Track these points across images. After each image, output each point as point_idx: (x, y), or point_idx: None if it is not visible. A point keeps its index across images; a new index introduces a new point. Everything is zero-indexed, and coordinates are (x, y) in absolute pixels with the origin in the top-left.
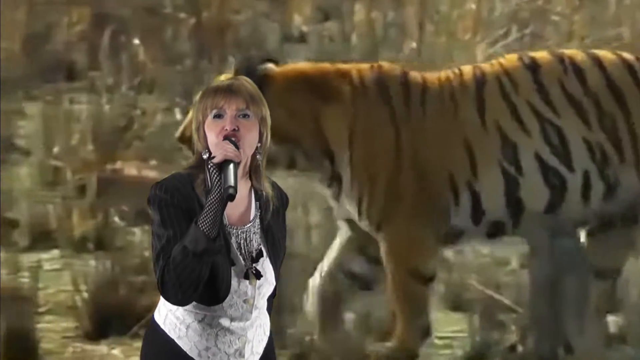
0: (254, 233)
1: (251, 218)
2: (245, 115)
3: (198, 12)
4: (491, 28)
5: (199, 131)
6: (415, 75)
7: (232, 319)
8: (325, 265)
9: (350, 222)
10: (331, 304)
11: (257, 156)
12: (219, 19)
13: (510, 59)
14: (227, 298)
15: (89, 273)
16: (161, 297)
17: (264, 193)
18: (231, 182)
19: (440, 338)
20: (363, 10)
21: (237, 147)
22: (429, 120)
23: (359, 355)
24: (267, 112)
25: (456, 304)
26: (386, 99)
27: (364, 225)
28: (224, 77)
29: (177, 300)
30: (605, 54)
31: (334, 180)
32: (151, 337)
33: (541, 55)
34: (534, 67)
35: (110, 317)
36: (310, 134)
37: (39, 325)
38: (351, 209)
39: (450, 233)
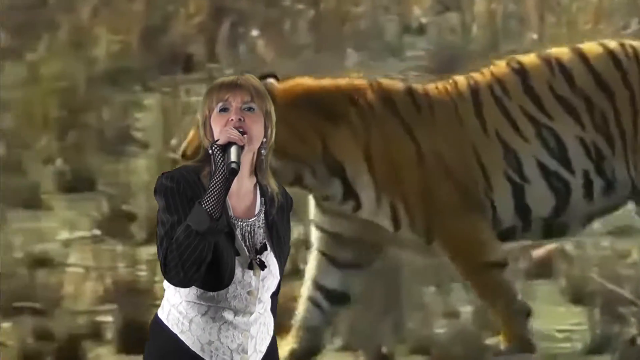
0: (258, 227)
1: (256, 212)
2: (250, 109)
3: (317, 4)
4: (612, 19)
5: (205, 125)
6: (417, 86)
7: (235, 312)
8: (305, 291)
9: (329, 233)
10: (314, 335)
11: (262, 151)
12: (338, 11)
13: (499, 66)
14: (231, 289)
15: None
16: (165, 294)
17: (269, 189)
18: (233, 158)
19: (560, 331)
20: (483, 2)
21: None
22: (440, 127)
23: (478, 350)
24: (272, 108)
25: (576, 297)
26: (394, 112)
27: (407, 237)
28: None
29: (179, 279)
30: (590, 47)
31: (349, 198)
32: (154, 333)
33: (529, 59)
34: (522, 72)
35: None
36: (316, 155)
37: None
38: (385, 224)
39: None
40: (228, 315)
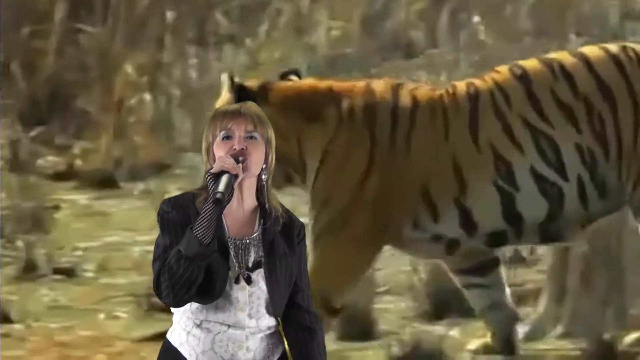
0: (253, 246)
1: (254, 232)
2: (252, 137)
3: None
4: None
5: (208, 152)
6: (406, 98)
7: (228, 326)
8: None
9: None
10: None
11: (263, 176)
12: None
13: (502, 72)
14: (221, 303)
15: None
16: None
17: (272, 210)
18: (220, 188)
19: None
20: None
21: (238, 162)
22: (413, 144)
23: None
24: (272, 134)
25: None
26: (370, 127)
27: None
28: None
29: (170, 300)
30: (592, 50)
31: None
32: (161, 350)
33: (531, 64)
34: (525, 78)
35: (448, 298)
36: (295, 153)
37: (377, 306)
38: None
39: (443, 242)
40: (221, 328)
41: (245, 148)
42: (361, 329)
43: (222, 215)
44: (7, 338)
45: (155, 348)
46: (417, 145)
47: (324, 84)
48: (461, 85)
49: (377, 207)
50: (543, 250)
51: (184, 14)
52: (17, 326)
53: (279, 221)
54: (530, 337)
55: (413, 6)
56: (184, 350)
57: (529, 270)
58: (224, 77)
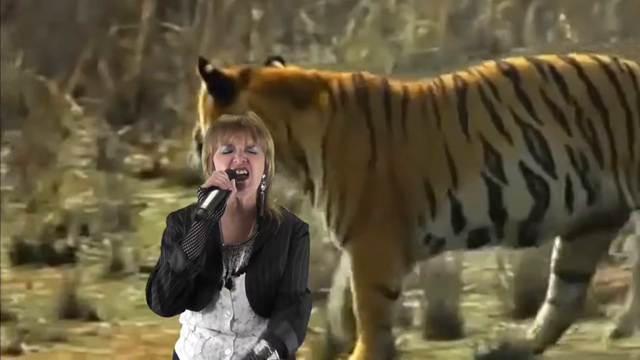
0: (245, 251)
1: (247, 237)
2: (252, 151)
3: None
4: None
5: (208, 162)
6: (396, 86)
7: (217, 332)
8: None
9: None
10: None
11: (262, 186)
12: None
13: (489, 67)
14: (209, 309)
15: (514, 252)
16: None
17: (270, 216)
18: (204, 205)
19: None
20: None
21: (236, 177)
22: (409, 132)
23: None
24: (271, 144)
25: None
26: (365, 111)
27: (331, 237)
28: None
29: (159, 311)
30: (583, 58)
31: (309, 188)
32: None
33: (519, 62)
34: (513, 74)
35: (535, 296)
36: (283, 141)
37: (463, 304)
38: (321, 218)
39: (431, 243)
40: (210, 333)
41: (246, 160)
42: (447, 327)
43: (219, 223)
44: (94, 336)
45: None
46: (413, 133)
47: (309, 71)
48: (448, 78)
49: (392, 188)
50: (629, 247)
51: (270, 13)
52: (104, 324)
53: (276, 224)
54: (617, 335)
55: (499, 5)
56: (182, 356)
57: (615, 268)
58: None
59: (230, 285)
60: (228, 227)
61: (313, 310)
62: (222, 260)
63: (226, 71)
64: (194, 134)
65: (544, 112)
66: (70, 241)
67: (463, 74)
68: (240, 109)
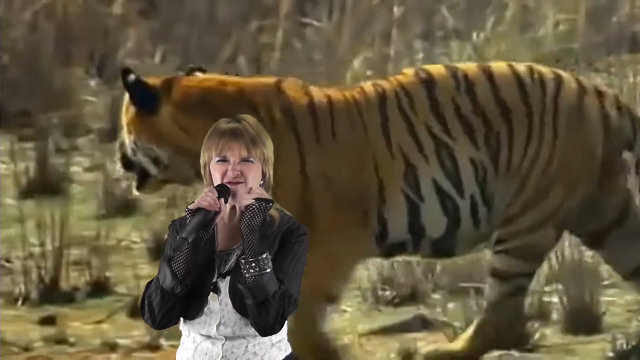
0: (236, 255)
1: (239, 243)
2: (247, 161)
3: None
4: None
5: (205, 169)
6: (321, 96)
7: (205, 335)
8: None
9: None
10: None
11: None
12: None
13: (407, 75)
14: (199, 315)
15: None
16: None
17: (267, 223)
18: (185, 232)
19: None
20: None
21: (225, 196)
22: (340, 143)
23: None
24: (268, 152)
25: None
26: (291, 126)
27: None
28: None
29: (150, 323)
30: (498, 66)
31: None
32: None
33: (437, 70)
34: (429, 83)
35: None
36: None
37: (603, 299)
38: None
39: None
40: (201, 338)
41: (239, 173)
42: (586, 322)
43: (216, 229)
44: None
45: (381, 342)
46: (343, 143)
47: (231, 83)
48: (369, 86)
49: (329, 193)
50: None
51: (411, 9)
52: None
53: (271, 227)
54: None
55: (638, 0)
56: None
57: None
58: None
59: (216, 290)
60: (223, 234)
61: (451, 305)
62: (215, 266)
63: (149, 81)
64: (117, 144)
65: (455, 125)
66: None
67: (382, 82)
68: (162, 121)
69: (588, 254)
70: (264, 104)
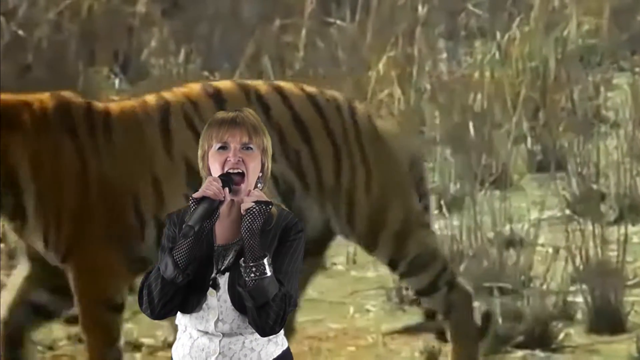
0: (234, 250)
1: (237, 238)
2: (248, 148)
3: None
4: None
5: (203, 160)
6: (97, 104)
7: (202, 331)
8: (9, 296)
9: (34, 259)
10: (15, 333)
11: (259, 185)
12: None
13: (193, 88)
14: (197, 310)
15: None
16: None
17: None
18: (192, 220)
19: None
20: None
21: (229, 185)
22: (117, 150)
23: None
24: (267, 143)
25: None
26: (70, 126)
27: (49, 257)
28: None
29: (149, 314)
30: (288, 86)
31: (18, 214)
32: None
33: (225, 85)
34: (218, 97)
35: None
36: None
37: (627, 299)
38: (37, 242)
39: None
40: (198, 334)
41: (240, 160)
42: (611, 322)
43: (214, 224)
44: None
45: (405, 341)
46: (121, 151)
47: (10, 95)
48: (151, 98)
49: (105, 202)
50: None
51: (435, 8)
52: None
53: (270, 222)
54: None
55: None
56: (175, 356)
57: None
58: None
59: (215, 286)
60: (221, 228)
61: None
62: (213, 261)
63: None
64: None
65: None
66: None
67: (166, 94)
68: None
69: (612, 254)
70: (39, 106)
